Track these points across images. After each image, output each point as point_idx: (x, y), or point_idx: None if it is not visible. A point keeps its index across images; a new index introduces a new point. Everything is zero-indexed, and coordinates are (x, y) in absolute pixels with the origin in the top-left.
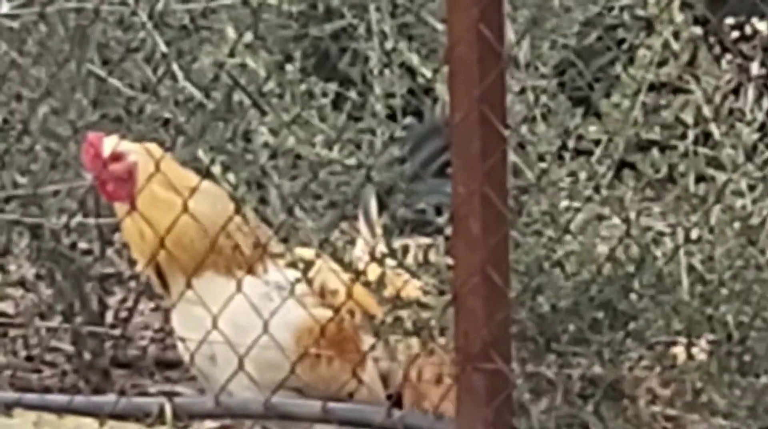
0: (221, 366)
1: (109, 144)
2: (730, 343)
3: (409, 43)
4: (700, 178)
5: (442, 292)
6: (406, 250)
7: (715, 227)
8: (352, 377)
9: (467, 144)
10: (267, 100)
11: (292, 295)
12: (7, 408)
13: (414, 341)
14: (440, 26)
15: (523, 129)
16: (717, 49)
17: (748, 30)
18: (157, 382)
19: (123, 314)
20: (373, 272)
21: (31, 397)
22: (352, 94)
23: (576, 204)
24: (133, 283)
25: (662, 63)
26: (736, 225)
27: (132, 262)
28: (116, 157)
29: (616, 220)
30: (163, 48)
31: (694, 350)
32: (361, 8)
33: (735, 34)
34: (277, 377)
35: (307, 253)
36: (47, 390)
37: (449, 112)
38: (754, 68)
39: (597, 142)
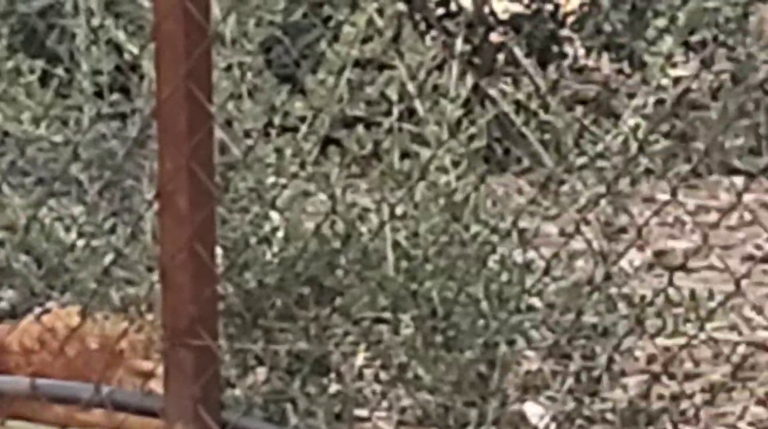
0: None
1: None
2: (435, 318)
3: (116, 20)
4: (404, 155)
5: (150, 269)
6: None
7: (420, 203)
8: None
9: (174, 120)
10: None
11: None
12: None
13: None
14: (147, 3)
15: (230, 106)
16: (423, 26)
17: (453, 6)
18: None
19: None
20: None
21: None
22: (60, 71)
23: (282, 180)
24: None
25: (367, 39)
26: (441, 201)
27: None
28: None
29: (322, 197)
30: None
31: (400, 326)
32: None
33: (440, 10)
34: None
35: None
36: None
37: (156, 88)
38: (458, 45)
39: (303, 119)
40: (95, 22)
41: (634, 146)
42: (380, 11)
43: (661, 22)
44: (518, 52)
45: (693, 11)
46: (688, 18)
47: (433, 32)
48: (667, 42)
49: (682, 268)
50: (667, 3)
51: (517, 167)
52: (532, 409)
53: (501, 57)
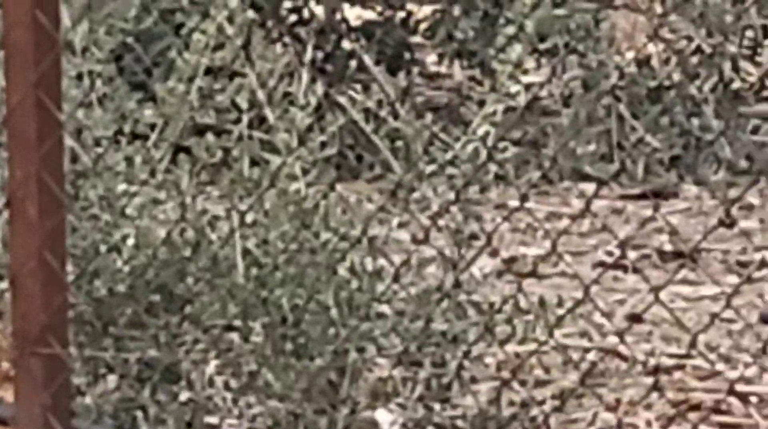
0: None
1: None
2: (285, 326)
3: None
4: (254, 162)
5: (0, 276)
6: None
7: (270, 211)
8: None
9: (23, 128)
10: None
11: None
12: None
13: None
14: None
15: (80, 113)
16: (274, 34)
17: (306, 14)
18: None
19: None
20: None
21: None
22: None
23: (132, 188)
24: None
25: (217, 48)
26: (291, 209)
27: None
28: None
29: (172, 204)
30: None
31: (250, 333)
32: None
33: (293, 18)
34: None
35: None
36: None
37: (5, 96)
38: (309, 52)
39: (153, 127)
40: None
41: (484, 153)
42: (230, 19)
43: (510, 30)
44: (368, 60)
45: (542, 19)
46: (537, 25)
47: (286, 39)
48: (516, 49)
49: (533, 274)
50: (516, 11)
51: (369, 174)
52: (382, 417)
53: (353, 64)
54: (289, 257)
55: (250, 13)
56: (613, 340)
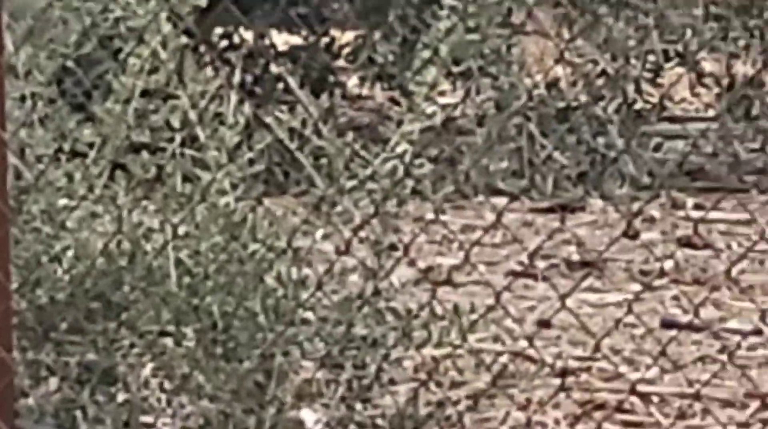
0: None
1: None
2: (216, 331)
3: None
4: (186, 178)
5: None
6: None
7: (201, 223)
8: None
9: None
10: None
11: None
12: None
13: None
14: None
15: (23, 133)
16: (207, 58)
17: (236, 39)
18: None
19: None
20: None
21: None
22: None
23: (72, 203)
24: None
25: (152, 71)
26: (221, 221)
27: None
28: None
29: (109, 217)
30: None
31: (183, 338)
32: None
33: (224, 43)
34: None
35: None
36: None
37: None
38: (237, 75)
39: (92, 145)
40: None
41: (402, 170)
42: (164, 44)
43: (426, 54)
44: (293, 82)
45: (456, 43)
46: (451, 49)
47: (216, 64)
48: (432, 72)
49: (448, 282)
50: (432, 36)
51: (295, 189)
52: (307, 416)
53: (280, 86)
54: (219, 267)
55: (183, 39)
56: (523, 343)
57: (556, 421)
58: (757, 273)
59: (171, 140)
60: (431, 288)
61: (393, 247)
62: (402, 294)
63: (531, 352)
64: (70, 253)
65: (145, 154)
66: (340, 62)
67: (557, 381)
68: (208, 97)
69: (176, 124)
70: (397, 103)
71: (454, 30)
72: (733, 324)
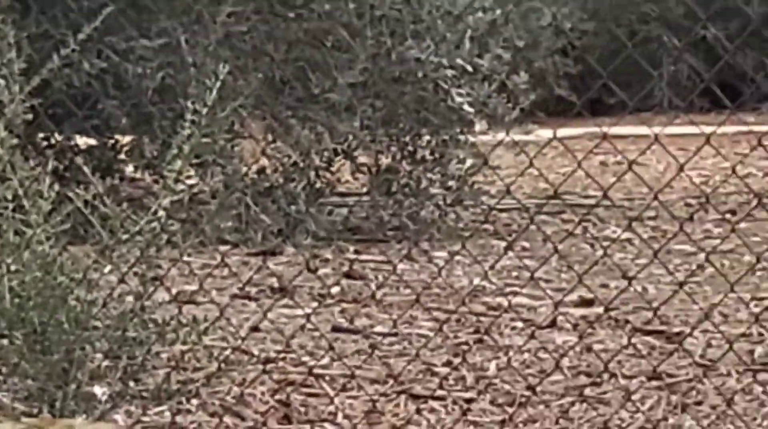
0: None
1: None
2: (36, 334)
3: None
4: (17, 233)
5: None
6: None
7: (26, 263)
8: None
9: None
10: None
11: None
12: None
13: None
14: None
15: None
16: (32, 153)
17: (52, 140)
18: None
19: None
20: None
21: None
22: None
23: None
24: None
25: None
26: (39, 261)
27: None
28: None
29: None
30: None
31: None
32: None
33: (44, 143)
34: None
35: None
36: None
37: None
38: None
39: None
40: None
41: (159, 228)
42: (2, 143)
43: (176, 150)
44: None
45: (196, 144)
46: (192, 148)
47: (38, 157)
48: (179, 162)
49: (190, 302)
50: (180, 139)
51: (91, 240)
52: (98, 390)
53: (80, 173)
54: (39, 291)
55: (15, 140)
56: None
57: (262, 393)
58: (395, 295)
59: (6, 208)
60: (179, 305)
61: (155, 279)
62: (160, 310)
63: (246, 347)
64: None
65: None
66: (122, 156)
67: (262, 366)
68: (31, 179)
69: (9, 196)
70: (158, 183)
71: (194, 135)
72: (378, 328)
